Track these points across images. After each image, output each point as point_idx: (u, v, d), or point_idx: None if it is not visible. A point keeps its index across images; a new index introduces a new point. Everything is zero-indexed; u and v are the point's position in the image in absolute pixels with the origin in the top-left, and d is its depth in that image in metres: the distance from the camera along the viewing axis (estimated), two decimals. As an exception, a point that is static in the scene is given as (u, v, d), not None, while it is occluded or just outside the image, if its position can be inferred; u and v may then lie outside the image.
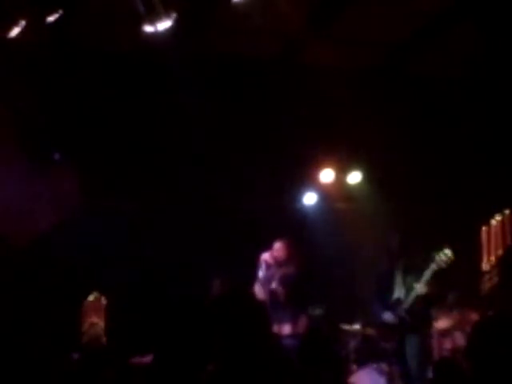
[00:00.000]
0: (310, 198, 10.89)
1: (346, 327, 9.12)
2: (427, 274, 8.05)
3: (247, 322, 2.31)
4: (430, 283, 8.07)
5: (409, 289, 8.23)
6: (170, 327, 2.34)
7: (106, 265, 9.37)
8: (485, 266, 9.20)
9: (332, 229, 10.66)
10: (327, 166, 10.64)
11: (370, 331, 8.94)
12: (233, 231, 10.13)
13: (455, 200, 10.34)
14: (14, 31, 7.60)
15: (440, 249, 8.09)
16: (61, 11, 7.58)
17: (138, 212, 9.97)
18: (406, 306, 8.20)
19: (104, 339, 8.01)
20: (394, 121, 10.07)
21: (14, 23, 7.57)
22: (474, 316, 9.31)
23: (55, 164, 9.38)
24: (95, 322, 8.32)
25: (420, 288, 8.07)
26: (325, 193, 10.88)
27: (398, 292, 8.36)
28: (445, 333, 9.32)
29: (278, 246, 8.99)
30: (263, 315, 2.39)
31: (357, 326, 9.19)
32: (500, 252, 9.13)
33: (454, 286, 9.33)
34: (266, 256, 8.97)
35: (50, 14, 7.58)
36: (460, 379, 6.66)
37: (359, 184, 10.79)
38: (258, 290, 8.80)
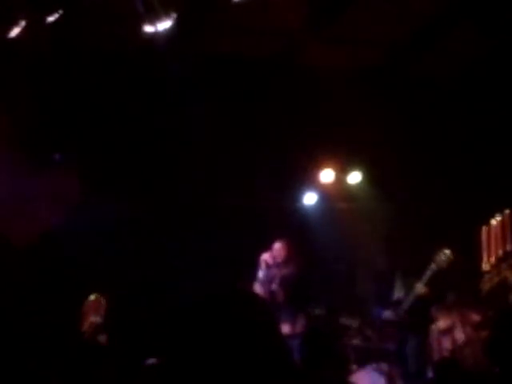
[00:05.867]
0: (309, 198, 10.89)
1: (345, 321, 9.11)
2: (427, 275, 8.08)
3: (255, 321, 2.31)
4: (430, 283, 8.10)
5: (409, 289, 8.25)
6: (177, 328, 2.34)
7: (106, 265, 9.37)
8: (485, 266, 9.17)
9: (332, 229, 10.65)
10: (327, 166, 10.64)
11: (370, 331, 8.94)
12: (233, 231, 10.13)
13: (455, 200, 10.34)
14: (14, 31, 7.60)
15: (440, 249, 8.11)
16: (61, 11, 7.58)
17: (137, 212, 9.97)
18: (405, 306, 8.22)
19: (104, 338, 8.01)
20: (394, 121, 10.07)
21: (14, 23, 7.57)
22: (474, 316, 9.30)
23: (55, 164, 9.38)
24: (95, 322, 8.31)
25: (419, 288, 8.10)
26: (325, 193, 10.87)
27: (398, 292, 8.37)
28: (445, 332, 9.32)
29: (278, 247, 9.00)
30: (270, 315, 2.39)
31: (355, 322, 9.18)
32: (500, 252, 9.11)
33: (454, 286, 9.32)
34: (265, 256, 8.98)
35: (49, 13, 7.58)
36: (460, 379, 6.66)
37: (359, 184, 10.78)
38: (258, 290, 8.81)
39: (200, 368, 2.22)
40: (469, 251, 9.25)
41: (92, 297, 8.60)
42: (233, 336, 2.24)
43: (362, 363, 8.60)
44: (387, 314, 8.33)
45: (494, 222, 9.19)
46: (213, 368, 2.22)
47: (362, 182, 10.76)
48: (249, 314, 2.29)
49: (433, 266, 8.05)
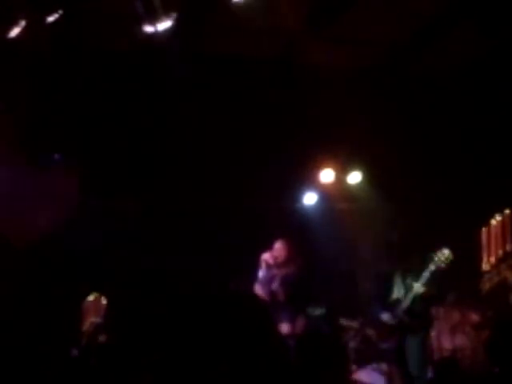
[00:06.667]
0: (309, 198, 10.90)
1: (345, 322, 9.11)
2: (426, 275, 8.07)
3: (253, 322, 2.31)
4: (429, 283, 8.09)
5: (408, 289, 8.24)
6: (175, 327, 2.34)
7: (106, 265, 9.37)
8: (485, 266, 9.19)
9: (332, 229, 10.66)
10: (327, 166, 10.64)
11: (370, 331, 8.93)
12: (233, 231, 10.13)
13: (455, 200, 10.34)
14: (14, 31, 7.60)
15: (439, 249, 8.10)
16: (61, 11, 7.57)
17: (138, 212, 9.97)
18: (404, 306, 8.21)
19: (104, 338, 8.00)
20: (394, 121, 10.07)
21: (14, 23, 7.57)
22: (474, 316, 9.31)
23: (55, 164, 9.38)
24: (95, 322, 8.31)
25: (418, 288, 8.09)
26: (325, 193, 10.88)
27: (397, 292, 8.36)
28: (445, 332, 9.33)
29: (278, 246, 9.00)
30: (267, 315, 2.39)
31: (355, 323, 9.19)
32: (500, 252, 9.12)
33: (454, 286, 9.33)
34: (266, 256, 8.98)
35: (49, 13, 7.58)
36: (460, 379, 6.67)
37: (359, 184, 10.79)
38: (259, 291, 8.81)
39: (198, 368, 2.22)
40: (469, 251, 9.25)
41: (92, 297, 8.59)
42: (231, 336, 2.24)
43: (362, 363, 8.60)
44: (386, 316, 8.33)
45: (494, 222, 9.21)
46: (211, 368, 2.22)
47: (361, 182, 10.76)
48: (247, 315, 2.30)
49: (431, 267, 8.04)
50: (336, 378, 4.57)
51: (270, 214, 10.23)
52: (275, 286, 8.87)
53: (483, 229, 9.27)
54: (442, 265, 8.02)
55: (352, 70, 10.00)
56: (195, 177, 10.03)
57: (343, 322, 9.05)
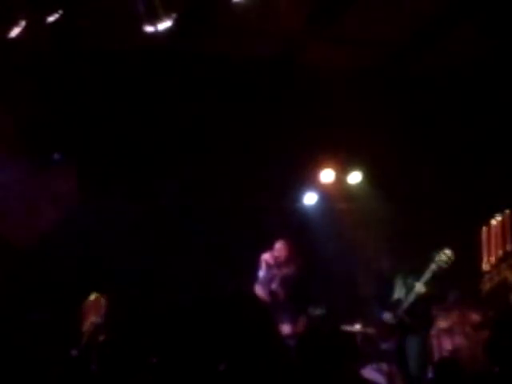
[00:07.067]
0: (310, 198, 10.90)
1: (347, 328, 9.11)
2: (427, 274, 8.07)
3: (253, 323, 2.32)
4: (430, 283, 8.09)
5: (409, 289, 8.25)
6: (177, 328, 2.34)
7: (106, 264, 9.37)
8: (485, 266, 9.19)
9: (332, 229, 10.66)
10: (327, 166, 10.64)
11: (371, 331, 8.93)
12: (233, 231, 10.13)
13: (455, 200, 10.34)
14: (14, 31, 7.59)
15: (440, 249, 8.11)
16: (61, 11, 7.57)
17: (137, 212, 9.96)
18: (405, 306, 8.21)
19: (103, 337, 8.00)
20: (394, 121, 10.08)
21: (14, 23, 7.57)
22: (474, 316, 9.31)
23: (55, 164, 9.38)
24: (95, 322, 8.31)
25: (419, 287, 8.09)
26: (325, 193, 10.88)
27: (399, 292, 8.37)
28: (445, 332, 9.33)
29: (279, 246, 9.00)
30: (267, 316, 2.40)
31: (357, 327, 9.18)
32: (500, 252, 9.12)
33: (454, 286, 9.32)
34: (266, 256, 8.98)
35: (49, 13, 7.58)
36: (460, 379, 6.66)
37: (359, 184, 10.79)
38: (259, 291, 8.81)
39: (198, 368, 2.23)
40: (469, 251, 9.24)
41: (92, 297, 8.59)
42: (231, 337, 2.25)
43: (362, 363, 8.60)
44: (387, 316, 8.33)
45: (494, 222, 9.20)
46: (211, 368, 2.22)
47: (362, 182, 10.76)
48: (247, 316, 2.30)
49: (433, 266, 8.05)
50: (338, 376, 4.58)
51: (270, 214, 10.23)
52: (275, 286, 8.87)
53: (483, 229, 9.26)
54: (444, 265, 8.02)
55: (352, 69, 9.99)
56: (195, 176, 10.03)
57: (344, 327, 9.04)
